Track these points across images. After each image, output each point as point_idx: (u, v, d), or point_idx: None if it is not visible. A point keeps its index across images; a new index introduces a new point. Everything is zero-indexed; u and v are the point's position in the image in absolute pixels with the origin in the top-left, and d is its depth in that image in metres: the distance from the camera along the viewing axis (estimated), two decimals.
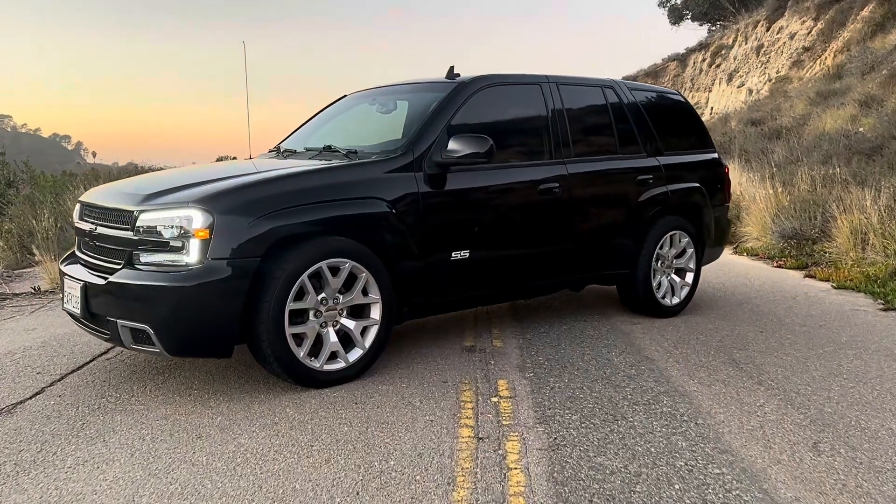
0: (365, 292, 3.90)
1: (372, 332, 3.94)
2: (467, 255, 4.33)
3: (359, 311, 3.95)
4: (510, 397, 3.64)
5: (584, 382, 3.89)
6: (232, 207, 3.50)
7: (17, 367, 4.26)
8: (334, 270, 3.76)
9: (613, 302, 5.91)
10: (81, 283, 3.72)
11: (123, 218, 3.69)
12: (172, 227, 3.49)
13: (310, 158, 4.45)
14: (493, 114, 4.73)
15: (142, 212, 3.59)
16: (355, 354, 3.88)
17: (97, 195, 4.13)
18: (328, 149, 4.48)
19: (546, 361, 4.28)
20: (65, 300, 3.96)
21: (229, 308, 3.46)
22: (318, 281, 3.74)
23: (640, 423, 3.31)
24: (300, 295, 3.66)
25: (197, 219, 3.44)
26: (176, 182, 3.90)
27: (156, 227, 3.53)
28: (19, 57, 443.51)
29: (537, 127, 4.87)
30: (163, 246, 3.51)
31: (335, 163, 4.10)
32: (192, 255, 3.43)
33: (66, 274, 3.97)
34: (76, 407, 3.55)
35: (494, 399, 3.61)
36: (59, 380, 4.01)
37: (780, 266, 8.29)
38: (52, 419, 3.39)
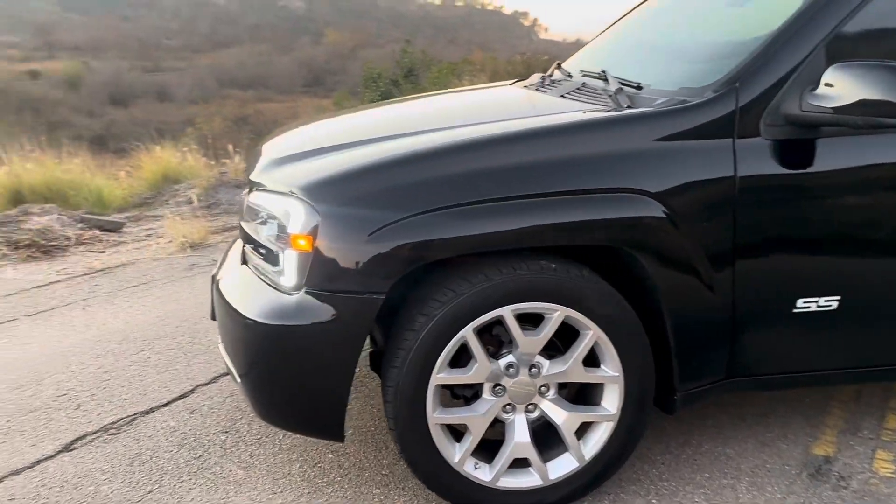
0: (593, 361, 2.10)
1: (600, 434, 2.14)
2: (835, 304, 2.15)
3: (579, 394, 2.18)
4: None
5: None
6: (348, 200, 1.98)
7: (180, 351, 3.44)
8: (533, 319, 2.04)
9: None
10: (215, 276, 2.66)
11: (251, 189, 2.47)
12: (270, 220, 2.15)
13: (560, 95, 2.63)
14: None
15: (254, 186, 2.33)
16: (563, 468, 2.14)
17: (270, 142, 2.97)
18: (602, 76, 2.57)
19: None
20: None
21: (334, 371, 2.03)
22: (502, 329, 2.08)
23: None
24: (459, 359, 2.05)
25: (296, 216, 2.02)
26: (327, 138, 2.51)
27: (258, 213, 2.23)
28: None
29: None
30: (261, 249, 2.21)
31: (553, 121, 2.18)
32: (287, 275, 2.05)
33: (228, 250, 2.96)
34: (177, 447, 2.58)
35: None
36: (206, 384, 3.11)
37: None
38: (137, 464, 2.48)
